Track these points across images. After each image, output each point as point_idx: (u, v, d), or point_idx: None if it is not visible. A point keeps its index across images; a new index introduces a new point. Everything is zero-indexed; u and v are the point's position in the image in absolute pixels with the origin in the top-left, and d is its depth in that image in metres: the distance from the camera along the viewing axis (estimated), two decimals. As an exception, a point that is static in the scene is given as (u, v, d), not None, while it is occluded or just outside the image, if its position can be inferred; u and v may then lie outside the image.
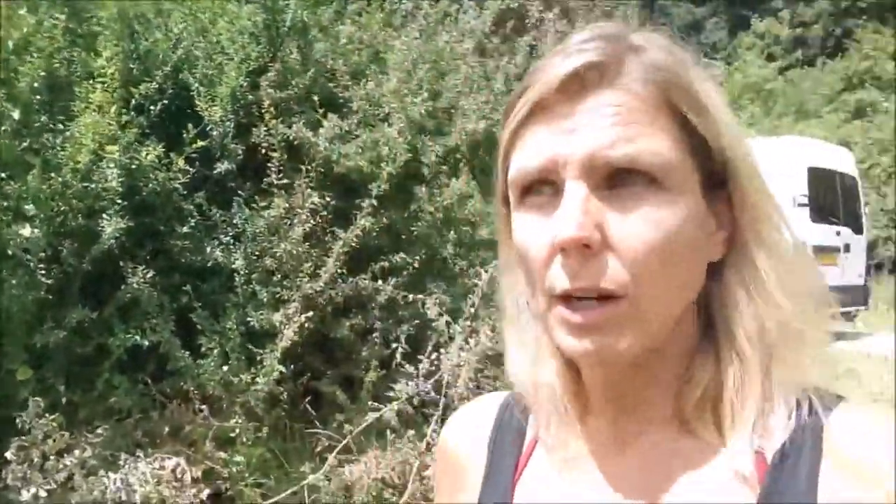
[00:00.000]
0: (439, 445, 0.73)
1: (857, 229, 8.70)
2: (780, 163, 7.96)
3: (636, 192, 0.48)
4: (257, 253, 4.00)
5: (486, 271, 3.66)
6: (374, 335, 4.41)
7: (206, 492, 3.16)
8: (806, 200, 7.78)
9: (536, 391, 0.61)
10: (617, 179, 0.49)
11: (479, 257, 5.04)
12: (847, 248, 8.42)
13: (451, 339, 3.99)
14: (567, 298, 0.49)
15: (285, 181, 4.03)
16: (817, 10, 23.69)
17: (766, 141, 9.01)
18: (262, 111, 3.92)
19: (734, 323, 0.52)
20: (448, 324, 3.75)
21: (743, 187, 0.52)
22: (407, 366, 4.04)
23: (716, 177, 0.52)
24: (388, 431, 3.76)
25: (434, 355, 3.53)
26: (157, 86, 3.55)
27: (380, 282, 4.09)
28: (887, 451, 0.46)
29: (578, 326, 0.49)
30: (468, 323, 3.59)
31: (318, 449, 3.71)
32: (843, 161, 8.79)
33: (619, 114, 0.48)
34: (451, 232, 4.61)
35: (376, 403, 3.68)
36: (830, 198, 8.23)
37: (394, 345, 4.30)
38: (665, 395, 0.55)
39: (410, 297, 3.88)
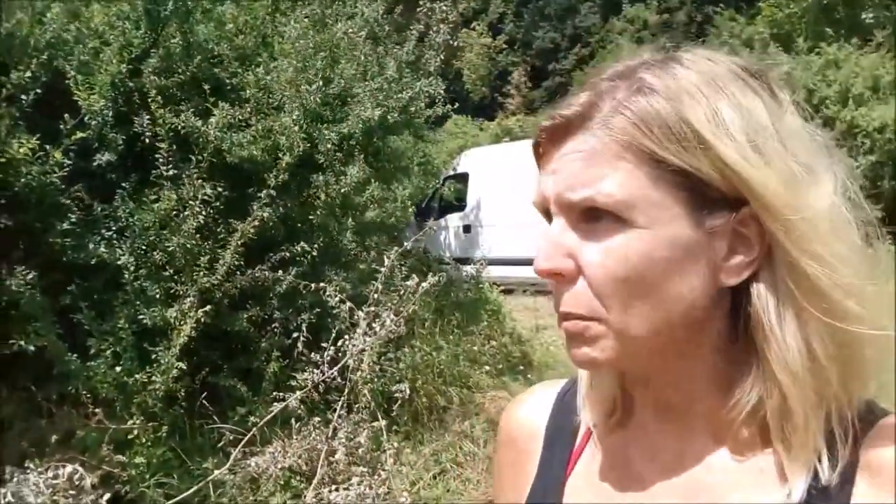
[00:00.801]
0: (500, 433, 0.76)
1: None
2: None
3: (606, 227, 0.52)
4: (145, 247, 3.85)
5: (388, 257, 3.72)
6: (273, 325, 4.38)
7: (106, 496, 3.05)
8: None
9: (594, 389, 0.66)
10: (594, 214, 0.53)
11: (378, 242, 5.11)
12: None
13: (354, 325, 4.03)
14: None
15: (174, 172, 3.89)
16: (681, -3, 25.33)
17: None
18: (148, 99, 3.74)
19: (767, 344, 0.52)
20: (351, 310, 3.79)
21: (767, 203, 0.50)
22: (309, 354, 4.06)
23: (722, 197, 0.52)
24: (293, 420, 3.76)
25: (340, 342, 3.55)
26: (30, 74, 3.32)
27: (280, 272, 4.05)
28: None
29: (568, 336, 0.56)
30: (372, 308, 3.64)
31: (222, 444, 3.66)
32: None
33: (583, 158, 0.53)
34: (349, 219, 4.64)
35: (280, 394, 3.67)
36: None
37: (295, 334, 4.29)
38: (711, 410, 0.57)
39: (313, 285, 3.86)
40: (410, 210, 5.81)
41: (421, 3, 5.21)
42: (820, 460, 0.52)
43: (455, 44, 5.59)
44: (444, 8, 5.00)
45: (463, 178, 10.17)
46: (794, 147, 0.52)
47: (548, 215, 0.57)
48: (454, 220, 10.73)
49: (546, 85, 29.47)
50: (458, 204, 10.31)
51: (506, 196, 10.14)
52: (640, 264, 0.51)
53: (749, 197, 0.51)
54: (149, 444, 3.31)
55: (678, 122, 0.51)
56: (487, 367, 5.16)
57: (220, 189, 4.02)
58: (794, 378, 0.51)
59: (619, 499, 0.61)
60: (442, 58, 5.27)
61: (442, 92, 5.37)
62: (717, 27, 20.74)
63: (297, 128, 4.02)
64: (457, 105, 7.03)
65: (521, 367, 5.42)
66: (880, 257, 0.56)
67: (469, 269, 6.39)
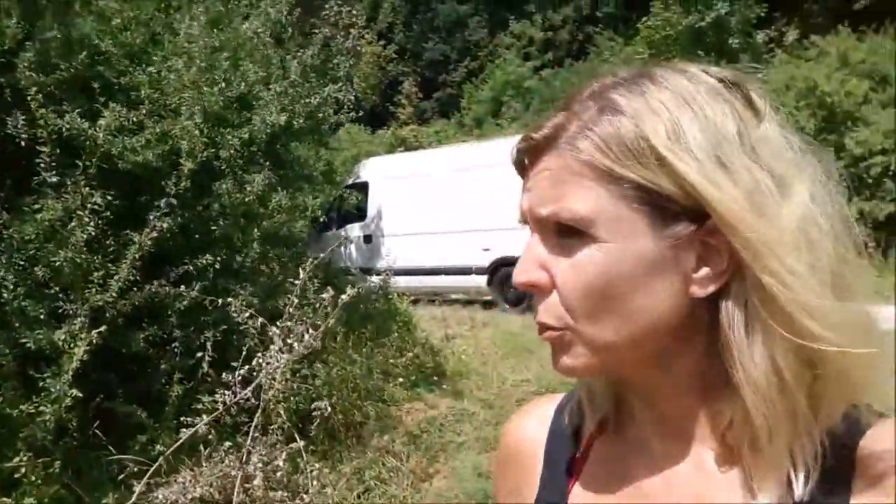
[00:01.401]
0: (500, 450, 0.77)
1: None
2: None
3: (573, 242, 0.55)
4: (24, 262, 3.45)
5: (304, 269, 3.53)
6: (174, 345, 4.06)
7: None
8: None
9: (586, 397, 0.68)
10: (565, 230, 0.55)
11: (282, 254, 4.88)
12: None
13: (263, 341, 3.80)
14: None
15: (58, 179, 3.51)
16: (563, 16, 26.39)
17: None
18: (27, 97, 3.36)
19: (732, 359, 0.53)
20: (263, 326, 3.57)
21: (725, 220, 0.51)
22: (216, 374, 3.79)
23: (684, 212, 0.52)
24: (202, 446, 3.49)
25: (254, 360, 3.32)
26: None
27: (182, 287, 3.75)
28: None
29: (550, 345, 0.59)
30: (288, 323, 3.43)
31: (123, 476, 3.32)
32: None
33: (550, 177, 0.56)
34: (255, 229, 4.39)
35: (188, 418, 3.38)
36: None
37: (198, 354, 4.00)
38: (703, 419, 0.58)
39: (220, 300, 3.60)
40: (321, 219, 5.61)
41: (326, 7, 5.04)
42: (796, 475, 0.52)
43: (361, 49, 5.46)
44: (354, 12, 4.88)
45: (362, 188, 10.01)
46: (766, 158, 0.52)
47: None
48: (355, 231, 10.54)
49: (437, 96, 29.80)
50: (358, 213, 10.12)
51: (408, 205, 10.10)
52: (604, 277, 0.54)
53: (709, 210, 0.51)
54: (39, 482, 2.94)
55: (636, 140, 0.52)
56: (401, 380, 5.05)
57: (110, 197, 3.68)
58: (758, 393, 0.52)
59: None
60: (351, 63, 5.14)
61: (352, 98, 5.23)
62: (598, 46, 21.82)
63: (197, 132, 3.74)
64: (353, 113, 6.89)
65: (436, 378, 5.34)
66: (860, 272, 0.54)
67: (376, 280, 6.25)
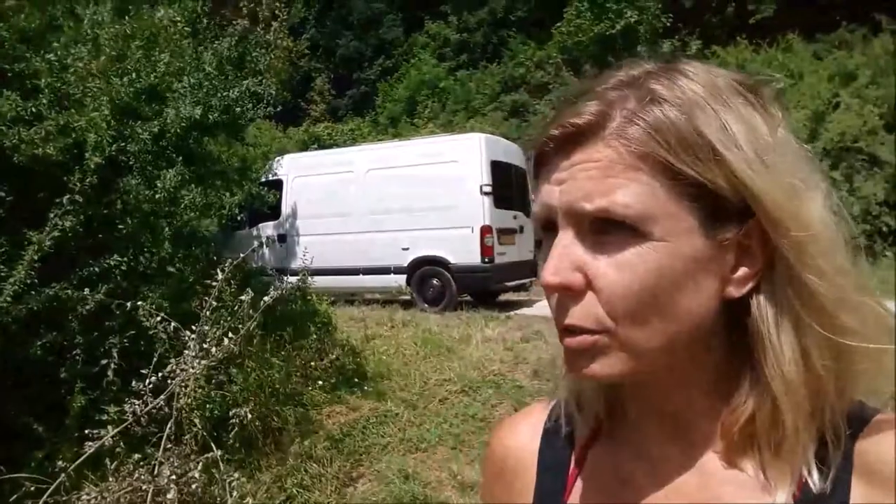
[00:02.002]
0: (488, 457, 0.74)
1: (527, 213, 10.17)
2: (469, 157, 8.89)
3: (619, 239, 0.51)
4: None
5: (222, 270, 3.38)
6: (75, 352, 3.78)
7: None
8: (490, 189, 8.86)
9: (578, 404, 0.66)
10: (604, 226, 0.52)
11: (199, 254, 4.67)
12: (521, 229, 9.79)
13: (173, 347, 3.62)
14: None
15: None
16: (478, 18, 26.71)
17: (454, 138, 10.00)
18: None
19: (765, 354, 0.53)
20: (177, 330, 3.38)
21: (773, 218, 0.51)
22: (122, 383, 3.56)
23: (732, 209, 0.52)
24: (108, 459, 3.27)
25: (168, 367, 3.14)
26: None
27: (86, 290, 3.50)
28: None
29: (568, 351, 0.55)
30: (205, 328, 3.27)
31: (17, 496, 3.05)
32: (515, 155, 10.16)
33: (599, 168, 0.52)
34: (166, 228, 4.16)
35: (93, 431, 3.15)
36: (508, 187, 9.43)
37: (103, 361, 3.74)
38: (709, 421, 0.57)
39: (129, 304, 3.38)
40: (238, 218, 5.40)
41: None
42: (810, 471, 0.53)
43: (282, 43, 5.29)
44: (276, 4, 4.70)
45: (276, 186, 9.72)
46: (790, 161, 0.53)
47: (548, 227, 0.56)
48: (268, 230, 10.23)
49: (350, 93, 29.45)
50: (271, 212, 9.82)
51: (324, 204, 9.89)
52: (655, 277, 0.51)
53: (756, 209, 0.51)
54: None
55: (692, 134, 0.51)
56: (321, 383, 4.93)
57: (3, 193, 3.39)
58: (789, 388, 0.52)
59: None
60: (274, 56, 4.96)
61: (272, 93, 5.05)
62: (511, 49, 22.21)
63: (105, 124, 3.51)
64: (271, 108, 6.67)
65: (357, 380, 5.25)
66: (866, 272, 0.57)
67: (293, 281, 6.08)
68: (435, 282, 9.10)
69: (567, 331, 0.54)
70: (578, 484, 0.64)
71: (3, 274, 3.27)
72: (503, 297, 10.21)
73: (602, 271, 0.52)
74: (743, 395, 0.55)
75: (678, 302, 0.52)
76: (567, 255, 0.53)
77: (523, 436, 0.71)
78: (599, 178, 0.52)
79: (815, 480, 0.52)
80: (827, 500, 0.52)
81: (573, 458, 0.66)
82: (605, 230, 0.52)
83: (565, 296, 0.53)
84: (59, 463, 3.15)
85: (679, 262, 0.51)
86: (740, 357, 0.55)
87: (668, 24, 17.37)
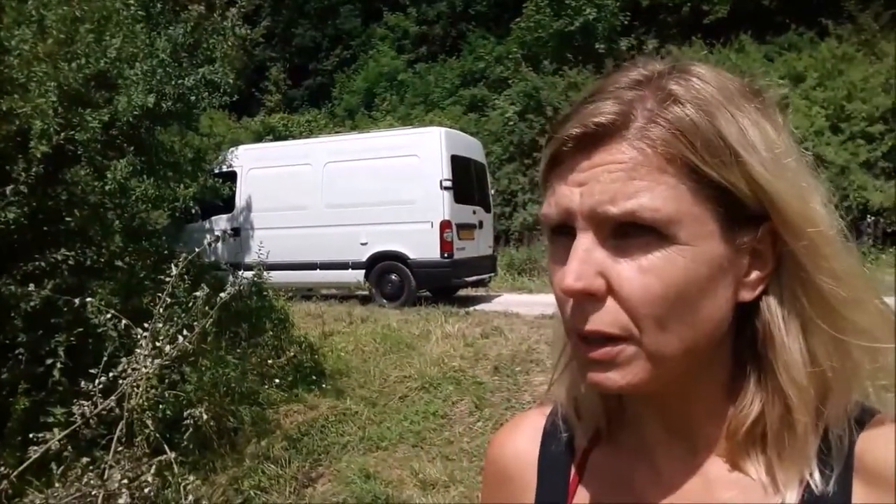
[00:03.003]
0: (487, 466, 0.72)
1: (487, 208, 10.16)
2: (429, 151, 8.82)
3: (643, 243, 0.50)
4: None
5: (176, 265, 3.25)
6: (18, 351, 3.60)
7: None
8: (450, 184, 8.80)
9: (576, 409, 0.64)
10: (626, 229, 0.50)
11: (153, 247, 4.50)
12: (481, 224, 9.75)
13: (124, 345, 3.48)
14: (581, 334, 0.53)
15: None
16: (437, 10, 26.61)
17: (414, 131, 9.92)
18: None
19: (776, 356, 0.53)
20: (128, 327, 3.24)
21: (789, 222, 0.52)
22: (69, 383, 3.41)
23: (748, 214, 0.52)
24: (54, 464, 3.12)
25: (120, 367, 3.01)
26: None
27: (31, 285, 3.32)
28: None
29: (586, 361, 0.53)
30: (159, 325, 3.14)
31: (-45, 505, 2.89)
32: (474, 150, 10.13)
33: (623, 169, 0.50)
34: (116, 221, 3.99)
35: (38, 434, 3.00)
36: (467, 182, 9.39)
37: (48, 360, 3.58)
38: (713, 424, 0.57)
39: (77, 300, 3.23)
40: (193, 211, 5.23)
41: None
42: (812, 472, 0.53)
43: (240, 31, 5.12)
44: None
45: (230, 177, 9.46)
46: (796, 165, 0.53)
47: (561, 230, 0.54)
48: (221, 223, 9.97)
49: (307, 84, 29.00)
50: (224, 205, 9.57)
51: (281, 197, 9.69)
52: (680, 282, 0.50)
53: (772, 212, 0.52)
54: None
55: (716, 136, 0.50)
56: (278, 381, 4.82)
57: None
58: (800, 389, 0.52)
59: None
60: (230, 44, 4.80)
61: (231, 81, 4.89)
62: (471, 43, 22.22)
63: (52, 111, 3.33)
64: (227, 98, 6.47)
65: (314, 377, 5.15)
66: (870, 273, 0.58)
67: (248, 276, 5.93)
68: (394, 277, 9.02)
69: (585, 340, 0.52)
70: (580, 490, 0.63)
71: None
72: (462, 292, 10.20)
73: (626, 276, 0.50)
74: (749, 397, 0.55)
75: (701, 307, 0.51)
76: (589, 260, 0.51)
77: (522, 442, 0.69)
78: (624, 179, 0.50)
79: (816, 482, 0.52)
80: (829, 502, 0.52)
81: (574, 464, 0.65)
82: (627, 233, 0.51)
83: (585, 301, 0.52)
84: (1, 469, 3.00)
85: (703, 266, 0.50)
86: (745, 359, 0.56)
87: (626, 23, 17.61)
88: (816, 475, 0.52)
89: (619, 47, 16.97)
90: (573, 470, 0.65)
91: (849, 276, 0.52)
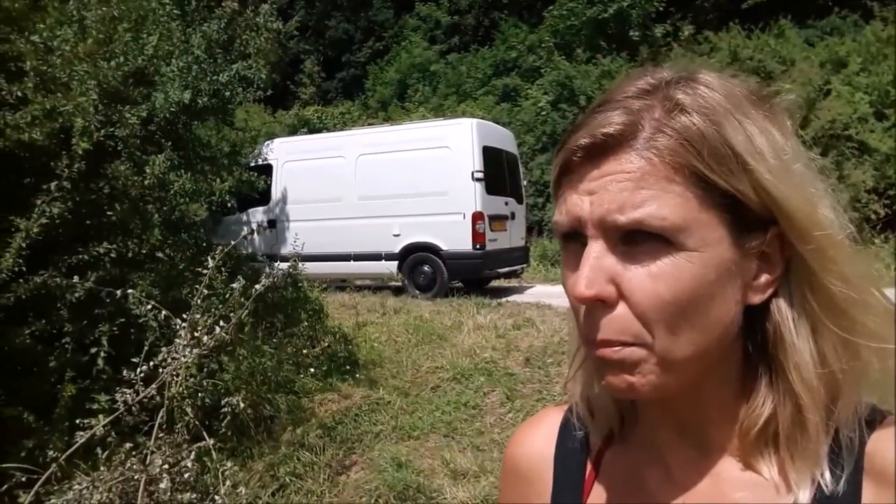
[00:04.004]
0: (504, 465, 0.74)
1: (519, 199, 10.14)
2: (461, 142, 8.82)
3: (652, 250, 0.51)
4: None
5: (213, 257, 3.33)
6: (64, 341, 3.74)
7: None
8: (482, 175, 8.82)
9: (590, 410, 0.66)
10: (635, 237, 0.52)
11: (190, 240, 4.61)
12: (513, 216, 9.74)
13: (164, 335, 3.59)
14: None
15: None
16: (470, 0, 26.48)
17: (446, 123, 9.91)
18: None
19: (786, 357, 0.55)
20: (167, 318, 3.34)
21: (797, 227, 0.52)
22: (112, 371, 3.53)
23: (756, 219, 0.53)
24: (99, 449, 3.24)
25: (160, 356, 3.10)
26: None
27: (75, 277, 3.44)
28: None
29: (603, 364, 0.54)
30: (197, 316, 3.23)
31: (7, 486, 3.02)
32: (506, 141, 10.11)
33: (631, 179, 0.51)
34: (156, 215, 4.11)
35: (84, 420, 3.12)
36: (499, 173, 9.38)
37: (93, 349, 3.70)
38: (725, 425, 0.58)
39: (118, 292, 3.33)
40: (229, 204, 5.34)
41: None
42: (823, 473, 0.54)
43: (273, 26, 5.20)
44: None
45: (266, 170, 9.61)
46: (803, 170, 0.54)
47: (572, 237, 0.55)
48: (258, 215, 10.15)
49: (340, 76, 29.17)
50: (261, 197, 9.73)
51: (315, 189, 9.80)
52: (690, 287, 0.51)
53: (780, 217, 0.52)
54: None
55: (723, 145, 0.51)
56: (313, 370, 4.91)
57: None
58: (810, 389, 0.53)
59: None
60: (263, 38, 4.88)
61: (263, 76, 4.98)
62: (503, 33, 22.04)
63: (92, 108, 3.44)
64: (261, 93, 6.57)
65: (348, 367, 5.23)
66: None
67: (283, 267, 6.04)
68: (426, 268, 9.07)
69: (602, 344, 0.53)
70: (595, 489, 0.65)
71: (-11, 261, 3.22)
72: (494, 283, 10.20)
73: (637, 282, 0.52)
74: (761, 398, 0.56)
75: (711, 311, 0.52)
76: (600, 267, 0.52)
77: (538, 442, 0.71)
78: (633, 189, 0.51)
79: (827, 482, 0.53)
80: (839, 501, 0.52)
81: (589, 464, 0.66)
82: (636, 241, 0.52)
83: (597, 308, 0.53)
84: (50, 453, 3.13)
85: (712, 271, 0.51)
86: (756, 361, 0.57)
87: (661, 9, 17.29)
88: (827, 475, 0.53)
89: (654, 34, 16.67)
90: (589, 469, 0.66)
91: (857, 278, 0.53)
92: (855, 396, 0.54)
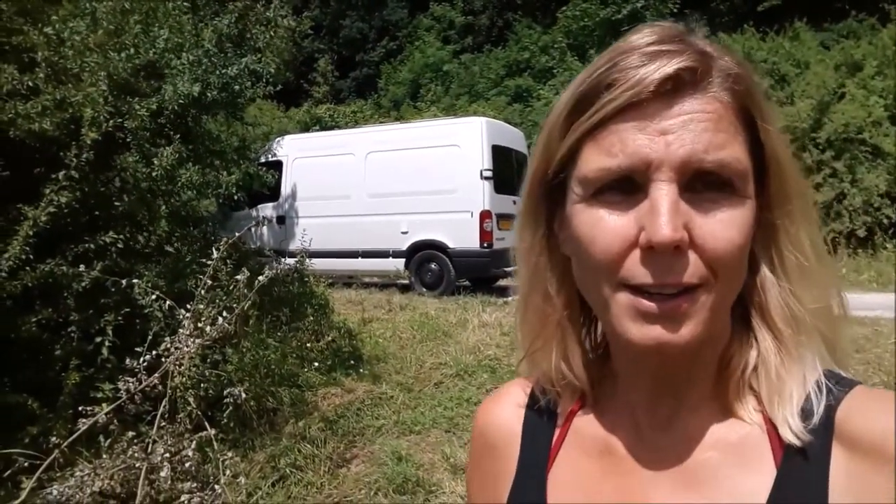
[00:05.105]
0: (473, 436, 0.74)
1: (528, 199, 10.10)
2: (470, 141, 8.83)
3: (717, 196, 0.51)
4: None
5: (217, 249, 3.36)
6: (70, 329, 3.78)
7: None
8: (491, 174, 8.83)
9: (560, 379, 0.65)
10: (695, 183, 0.51)
11: (196, 233, 4.65)
12: (521, 215, 9.71)
13: (168, 325, 3.61)
14: (638, 288, 0.52)
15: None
16: (483, 1, 26.48)
17: (455, 121, 9.92)
18: None
19: (767, 308, 0.56)
20: (171, 308, 3.37)
21: (784, 186, 0.55)
22: (116, 360, 3.56)
23: (756, 178, 0.55)
24: (102, 436, 3.27)
25: (163, 345, 3.13)
26: None
27: (81, 267, 3.48)
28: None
29: (649, 315, 0.51)
30: (200, 307, 3.26)
31: (11, 472, 3.06)
32: (516, 140, 10.12)
33: (711, 120, 0.50)
34: (163, 206, 4.14)
35: (87, 408, 3.15)
36: (508, 172, 9.38)
37: (98, 338, 3.74)
38: (706, 377, 0.58)
39: (124, 282, 3.36)
40: (237, 198, 5.38)
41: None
42: (794, 416, 0.53)
43: (284, 21, 5.23)
44: (276, -20, 4.64)
45: (276, 166, 9.66)
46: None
47: (618, 185, 0.52)
48: (267, 211, 10.19)
49: (353, 75, 29.25)
50: (270, 193, 9.78)
51: (324, 186, 9.84)
52: (748, 234, 0.52)
53: (778, 177, 0.55)
54: None
55: (764, 100, 0.54)
56: (317, 364, 4.93)
57: (-2, 168, 3.36)
58: (789, 337, 0.55)
59: (605, 485, 0.60)
60: (274, 34, 4.91)
61: (272, 71, 5.01)
62: (517, 33, 22.01)
63: (102, 99, 3.47)
64: (271, 88, 6.61)
65: (352, 362, 5.25)
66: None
67: (291, 262, 6.07)
68: (433, 266, 9.09)
69: (656, 294, 0.51)
70: (561, 454, 0.65)
71: (-3, 249, 3.26)
72: (501, 282, 10.20)
73: (709, 229, 0.50)
74: (745, 348, 0.57)
75: (746, 259, 0.54)
76: (679, 211, 0.50)
77: (506, 412, 0.71)
78: (714, 130, 0.50)
79: (799, 431, 0.52)
80: (807, 466, 0.52)
81: (557, 430, 0.66)
82: (695, 187, 0.51)
83: (669, 254, 0.50)
84: (53, 439, 3.16)
85: (752, 220, 0.53)
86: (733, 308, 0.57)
87: (675, 10, 17.22)
88: (800, 422, 0.53)
89: (668, 36, 16.58)
90: (556, 434, 0.66)
91: (812, 246, 0.56)
92: (816, 343, 0.56)
